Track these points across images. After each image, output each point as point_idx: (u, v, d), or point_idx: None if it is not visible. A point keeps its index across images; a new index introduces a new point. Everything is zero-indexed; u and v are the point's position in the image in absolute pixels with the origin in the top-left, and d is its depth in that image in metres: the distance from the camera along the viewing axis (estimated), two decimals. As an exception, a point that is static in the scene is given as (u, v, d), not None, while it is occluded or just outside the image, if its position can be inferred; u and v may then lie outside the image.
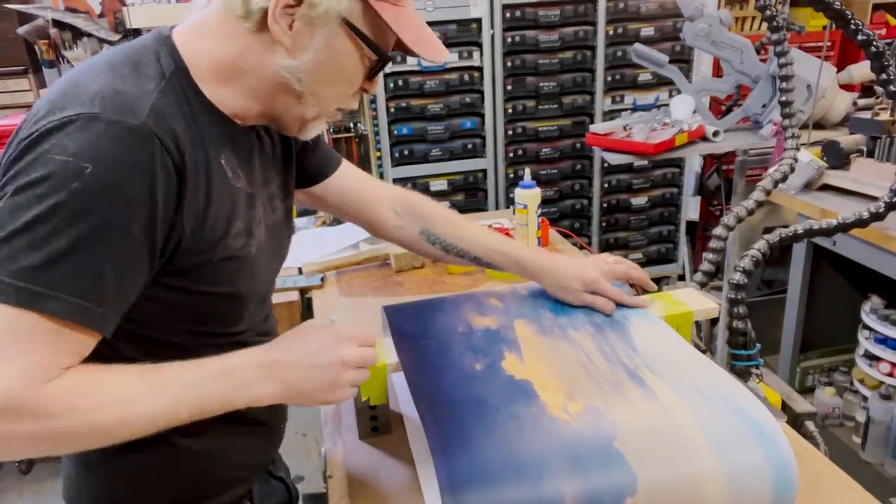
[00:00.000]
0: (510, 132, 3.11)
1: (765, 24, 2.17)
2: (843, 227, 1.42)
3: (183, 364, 0.74)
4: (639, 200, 3.33)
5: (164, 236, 0.73)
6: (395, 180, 3.08)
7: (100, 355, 0.72)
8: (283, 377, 0.78)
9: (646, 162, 3.18)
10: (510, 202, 2.80)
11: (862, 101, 2.43)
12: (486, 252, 1.14)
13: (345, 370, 0.80)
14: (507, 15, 2.92)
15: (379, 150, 3.04)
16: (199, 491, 0.91)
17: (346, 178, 1.13)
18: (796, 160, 1.67)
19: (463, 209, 3.10)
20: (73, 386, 0.68)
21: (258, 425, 0.95)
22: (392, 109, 2.93)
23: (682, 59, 3.10)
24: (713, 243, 1.48)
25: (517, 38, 2.96)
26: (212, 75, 0.79)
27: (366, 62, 0.82)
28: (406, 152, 3.05)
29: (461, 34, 2.92)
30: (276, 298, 1.21)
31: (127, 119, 0.69)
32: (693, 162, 3.34)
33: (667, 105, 2.42)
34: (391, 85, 2.88)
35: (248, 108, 0.83)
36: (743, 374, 1.20)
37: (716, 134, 2.25)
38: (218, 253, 0.79)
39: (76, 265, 0.67)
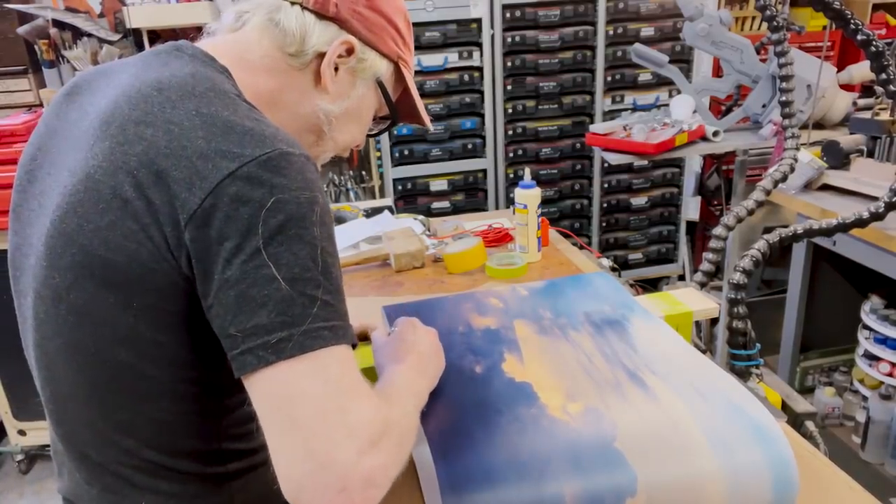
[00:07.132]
0: (510, 132, 3.11)
1: (765, 24, 2.17)
2: (843, 227, 1.42)
3: (382, 384, 0.77)
4: (639, 200, 3.33)
5: None
6: (396, 180, 3.09)
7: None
8: (423, 366, 0.84)
9: (646, 162, 3.18)
10: (510, 202, 2.80)
11: (862, 101, 2.43)
12: None
13: (435, 338, 0.91)
14: (507, 15, 2.92)
15: (379, 149, 3.04)
16: None
17: None
18: (796, 160, 1.67)
19: (463, 209, 3.10)
20: (378, 392, 0.70)
21: None
22: (392, 109, 2.94)
23: (682, 59, 3.11)
24: (713, 243, 1.48)
25: (517, 38, 2.96)
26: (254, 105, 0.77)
27: (374, 119, 0.91)
28: (406, 152, 3.05)
29: (461, 34, 2.92)
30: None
31: (302, 150, 0.69)
32: (693, 162, 3.34)
33: (667, 105, 2.42)
34: (391, 85, 2.88)
35: None
36: (743, 374, 1.20)
37: (716, 134, 2.25)
38: None
39: (342, 289, 0.67)
